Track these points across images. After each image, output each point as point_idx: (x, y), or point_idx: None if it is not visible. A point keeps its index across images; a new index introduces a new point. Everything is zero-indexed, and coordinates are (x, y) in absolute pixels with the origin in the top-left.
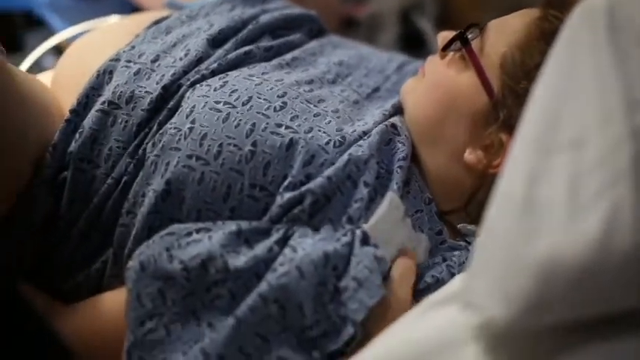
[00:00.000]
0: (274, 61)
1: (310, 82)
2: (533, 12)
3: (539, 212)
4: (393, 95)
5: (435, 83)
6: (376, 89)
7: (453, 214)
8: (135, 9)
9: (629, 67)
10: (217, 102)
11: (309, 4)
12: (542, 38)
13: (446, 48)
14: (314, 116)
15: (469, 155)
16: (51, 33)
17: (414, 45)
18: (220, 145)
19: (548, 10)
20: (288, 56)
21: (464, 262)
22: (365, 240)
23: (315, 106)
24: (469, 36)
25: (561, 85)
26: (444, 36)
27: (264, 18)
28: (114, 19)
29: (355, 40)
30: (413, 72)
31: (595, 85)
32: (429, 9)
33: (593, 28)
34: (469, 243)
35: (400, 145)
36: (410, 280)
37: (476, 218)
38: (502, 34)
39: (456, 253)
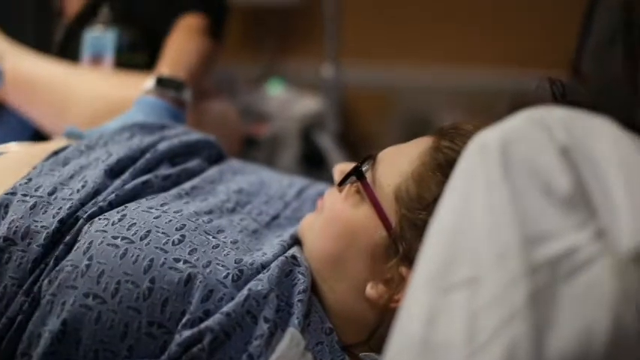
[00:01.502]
0: (173, 191)
1: (209, 212)
2: (426, 141)
3: (437, 354)
4: (293, 223)
5: (332, 218)
6: (276, 217)
7: (355, 346)
8: (35, 132)
9: (523, 203)
10: (115, 237)
11: (209, 127)
12: (437, 169)
13: (342, 183)
14: (212, 248)
15: (370, 290)
16: None
17: (315, 162)
18: (118, 283)
19: (441, 141)
20: (187, 185)
21: None
22: None
23: (213, 237)
24: (364, 167)
25: (457, 221)
26: (341, 169)
27: (163, 145)
28: (13, 147)
29: (256, 158)
30: (313, 197)
31: (490, 221)
32: (330, 126)
33: (487, 165)
34: None
35: (300, 276)
36: None
37: (379, 350)
38: (395, 164)
39: None
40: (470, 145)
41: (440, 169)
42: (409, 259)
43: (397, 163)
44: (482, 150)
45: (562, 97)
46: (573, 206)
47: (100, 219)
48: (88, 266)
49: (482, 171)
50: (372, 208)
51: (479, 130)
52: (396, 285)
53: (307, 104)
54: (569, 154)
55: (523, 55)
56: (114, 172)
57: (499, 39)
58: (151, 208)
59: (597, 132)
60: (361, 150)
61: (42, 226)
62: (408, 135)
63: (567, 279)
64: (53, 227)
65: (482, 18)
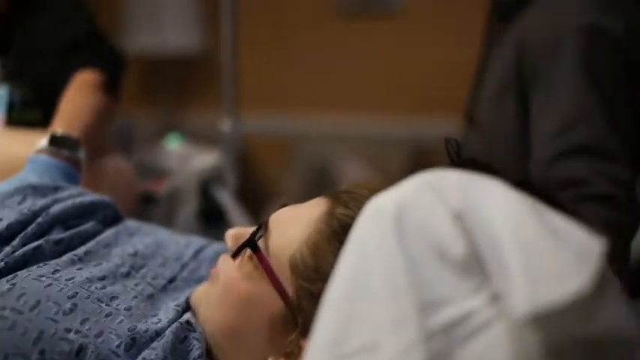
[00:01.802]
0: (66, 257)
1: (103, 278)
2: (320, 206)
3: None
4: (190, 285)
5: (228, 289)
6: (172, 279)
7: None
8: None
9: (418, 269)
10: (3, 308)
11: (105, 187)
12: (332, 237)
13: (236, 255)
14: (105, 317)
15: None
16: None
17: (215, 218)
18: (5, 357)
19: (335, 207)
20: (81, 250)
21: None
22: None
23: (107, 305)
24: (257, 235)
25: (353, 289)
26: (233, 235)
27: (56, 209)
28: None
29: (155, 215)
30: (211, 257)
31: (386, 288)
32: (229, 181)
33: (382, 231)
34: None
35: (196, 342)
36: None
37: None
38: (289, 232)
39: None
40: (365, 210)
41: (335, 236)
42: (308, 330)
43: (291, 231)
44: (377, 216)
45: (457, 155)
46: (468, 271)
47: None
48: None
49: (378, 237)
50: (268, 278)
51: (373, 194)
52: (297, 358)
53: (205, 158)
54: (463, 218)
55: (422, 103)
56: (3, 238)
57: (399, 87)
58: (42, 276)
59: (490, 195)
60: (262, 202)
61: None
62: (310, 183)
63: (463, 344)
64: None
65: (380, 66)
